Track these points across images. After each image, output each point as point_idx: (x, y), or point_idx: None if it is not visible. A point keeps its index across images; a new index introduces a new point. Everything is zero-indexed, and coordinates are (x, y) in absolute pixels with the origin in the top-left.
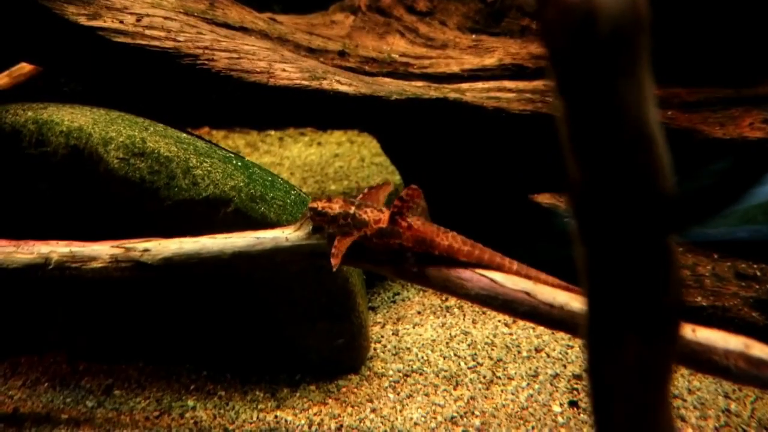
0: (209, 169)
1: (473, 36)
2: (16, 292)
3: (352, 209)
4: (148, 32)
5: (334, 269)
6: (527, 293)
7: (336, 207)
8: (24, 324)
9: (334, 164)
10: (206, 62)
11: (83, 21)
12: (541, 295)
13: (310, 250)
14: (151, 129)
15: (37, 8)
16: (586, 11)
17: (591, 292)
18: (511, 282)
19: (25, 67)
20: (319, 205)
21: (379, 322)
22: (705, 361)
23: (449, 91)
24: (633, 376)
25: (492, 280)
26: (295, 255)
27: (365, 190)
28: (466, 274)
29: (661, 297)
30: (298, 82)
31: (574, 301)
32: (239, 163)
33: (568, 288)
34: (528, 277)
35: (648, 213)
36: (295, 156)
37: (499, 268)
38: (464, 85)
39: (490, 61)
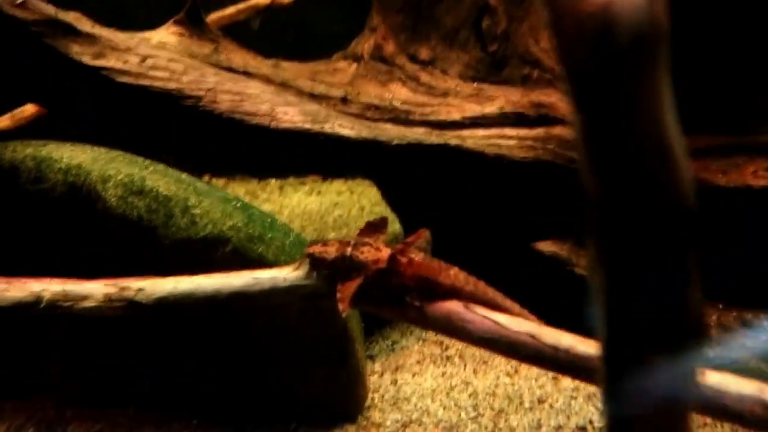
0: (208, 208)
1: (474, 84)
2: (4, 334)
3: (349, 250)
4: (151, 73)
5: (344, 315)
6: (532, 336)
7: (332, 250)
8: (10, 368)
9: (333, 213)
10: (209, 104)
11: (87, 60)
12: (546, 338)
13: (308, 291)
14: (151, 168)
15: (42, 47)
16: (604, 21)
17: (608, 311)
18: (515, 324)
19: (27, 110)
20: (316, 250)
21: (377, 371)
22: (718, 406)
23: (450, 138)
24: (653, 403)
25: (495, 322)
26: (293, 295)
27: (362, 228)
28: (468, 315)
29: (682, 316)
30: (300, 125)
31: (579, 344)
32: (238, 204)
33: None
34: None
35: (668, 226)
36: (294, 204)
37: (502, 310)
38: (465, 132)
39: (491, 109)
